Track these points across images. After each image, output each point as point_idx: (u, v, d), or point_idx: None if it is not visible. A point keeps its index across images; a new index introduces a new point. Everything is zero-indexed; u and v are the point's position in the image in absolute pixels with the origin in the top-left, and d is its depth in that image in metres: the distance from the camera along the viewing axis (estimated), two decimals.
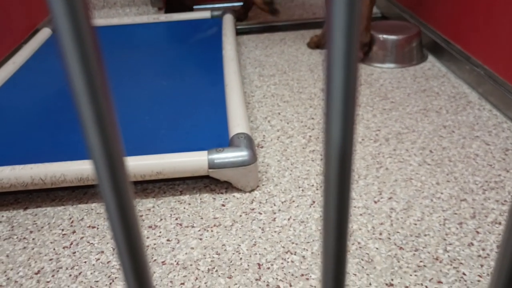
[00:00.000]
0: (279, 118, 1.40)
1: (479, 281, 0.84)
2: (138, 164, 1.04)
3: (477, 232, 0.94)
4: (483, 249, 0.90)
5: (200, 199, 1.09)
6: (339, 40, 0.18)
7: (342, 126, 0.20)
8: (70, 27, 0.16)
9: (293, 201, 1.06)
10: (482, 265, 0.87)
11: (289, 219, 1.01)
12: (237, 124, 1.15)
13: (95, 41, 0.17)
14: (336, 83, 0.19)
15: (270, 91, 1.56)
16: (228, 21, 1.89)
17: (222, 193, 1.10)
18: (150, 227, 1.01)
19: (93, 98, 0.18)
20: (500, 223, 0.96)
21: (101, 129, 0.19)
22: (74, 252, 0.96)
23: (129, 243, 0.22)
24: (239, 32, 2.08)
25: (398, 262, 0.89)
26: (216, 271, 0.89)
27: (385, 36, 1.67)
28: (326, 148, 0.23)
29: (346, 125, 0.21)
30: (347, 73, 0.19)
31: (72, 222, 1.04)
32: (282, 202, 1.06)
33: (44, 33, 1.89)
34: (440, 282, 0.84)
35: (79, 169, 1.04)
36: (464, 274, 0.85)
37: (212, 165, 1.05)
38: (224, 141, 1.13)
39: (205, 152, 1.06)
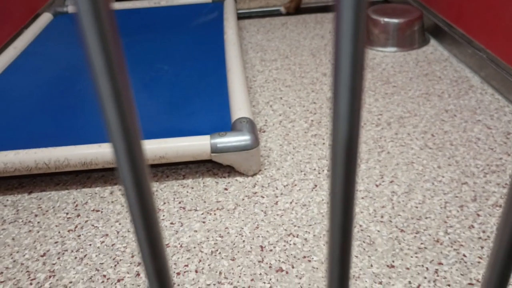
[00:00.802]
0: (281, 103, 1.40)
1: (479, 262, 0.85)
2: None
3: (478, 215, 0.95)
4: (484, 232, 0.91)
5: (203, 183, 1.10)
6: (347, 16, 0.19)
7: (349, 101, 0.21)
8: (90, 9, 0.17)
9: (295, 185, 1.07)
10: (482, 247, 0.88)
11: (291, 203, 1.02)
12: (239, 108, 1.16)
13: (113, 23, 0.18)
14: (344, 57, 0.20)
15: (272, 75, 1.56)
16: (229, 6, 1.88)
17: (224, 177, 1.11)
18: None
19: (112, 78, 0.19)
20: (500, 206, 0.97)
21: (119, 108, 0.19)
22: (79, 235, 0.97)
23: (146, 221, 0.23)
24: (240, 17, 2.07)
25: (399, 244, 0.90)
26: (220, 253, 0.90)
27: (386, 19, 1.66)
28: (334, 127, 0.23)
29: (353, 102, 0.21)
30: (355, 47, 0.19)
31: (76, 205, 1.05)
32: (284, 186, 1.07)
33: (44, 18, 1.89)
34: (440, 263, 0.85)
35: (83, 153, 1.04)
36: (464, 255, 0.86)
37: (214, 149, 1.05)
38: (226, 125, 1.13)
39: (207, 137, 1.07)
